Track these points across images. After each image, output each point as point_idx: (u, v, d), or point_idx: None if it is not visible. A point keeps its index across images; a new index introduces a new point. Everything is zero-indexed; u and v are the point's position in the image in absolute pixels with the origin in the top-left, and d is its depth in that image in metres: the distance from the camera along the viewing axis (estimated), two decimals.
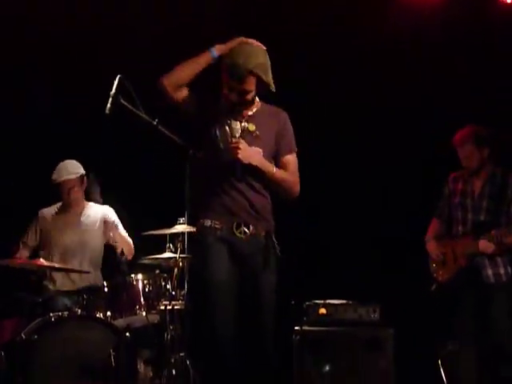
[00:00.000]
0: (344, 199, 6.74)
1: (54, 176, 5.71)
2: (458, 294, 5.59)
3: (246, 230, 4.12)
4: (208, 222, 4.13)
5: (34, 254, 5.71)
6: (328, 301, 6.10)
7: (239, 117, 4.20)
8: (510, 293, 5.48)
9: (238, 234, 4.12)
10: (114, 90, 4.95)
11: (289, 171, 4.24)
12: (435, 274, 5.75)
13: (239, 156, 4.04)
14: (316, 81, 6.50)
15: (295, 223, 6.31)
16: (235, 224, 4.12)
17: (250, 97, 4.15)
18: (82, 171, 5.79)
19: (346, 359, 5.81)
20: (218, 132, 4.18)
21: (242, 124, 4.18)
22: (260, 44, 4.19)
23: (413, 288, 6.54)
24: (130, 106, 4.99)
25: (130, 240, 5.86)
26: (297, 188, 4.26)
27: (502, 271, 5.47)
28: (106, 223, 5.84)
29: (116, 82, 4.95)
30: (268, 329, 4.16)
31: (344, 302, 6.14)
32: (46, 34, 6.28)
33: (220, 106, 4.20)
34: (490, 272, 5.47)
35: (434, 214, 5.85)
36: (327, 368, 5.74)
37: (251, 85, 4.10)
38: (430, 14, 6.52)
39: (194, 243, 4.30)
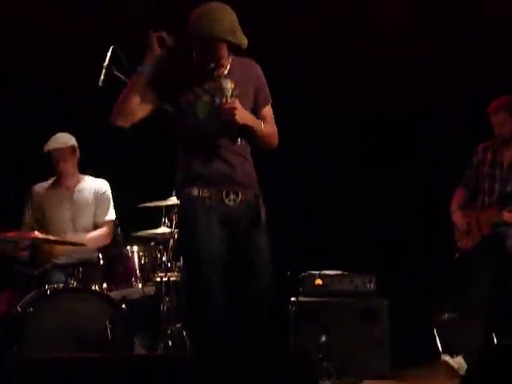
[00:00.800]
0: (340, 169, 6.72)
1: (45, 146, 5.68)
2: (480, 260, 5.61)
3: (235, 196, 4.06)
4: (195, 192, 4.04)
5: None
6: (324, 271, 6.12)
7: (216, 78, 4.09)
8: None
9: (228, 202, 4.05)
10: (107, 62, 4.93)
11: (269, 123, 4.17)
12: (459, 243, 5.77)
13: (236, 117, 3.95)
14: (314, 84, 6.48)
15: (291, 194, 6.31)
16: (224, 192, 4.05)
17: (224, 60, 4.06)
18: (73, 142, 5.73)
19: (342, 330, 5.85)
20: (197, 101, 4.08)
21: (222, 83, 4.04)
22: (216, 4, 4.04)
23: (408, 258, 6.58)
24: (123, 78, 4.97)
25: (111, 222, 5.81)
26: (276, 139, 4.21)
27: None
28: (97, 196, 5.79)
29: (109, 53, 4.93)
30: (266, 292, 4.09)
31: (340, 272, 6.16)
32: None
33: (191, 74, 4.09)
34: None
35: (460, 183, 5.86)
36: (323, 338, 5.77)
37: (223, 50, 4.00)
38: None
39: (182, 214, 4.21)
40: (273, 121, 4.21)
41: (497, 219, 5.52)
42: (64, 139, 5.70)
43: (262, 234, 4.09)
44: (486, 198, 5.65)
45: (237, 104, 3.97)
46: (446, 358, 5.60)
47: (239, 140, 4.09)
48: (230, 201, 4.05)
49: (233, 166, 4.07)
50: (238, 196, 4.06)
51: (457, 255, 5.77)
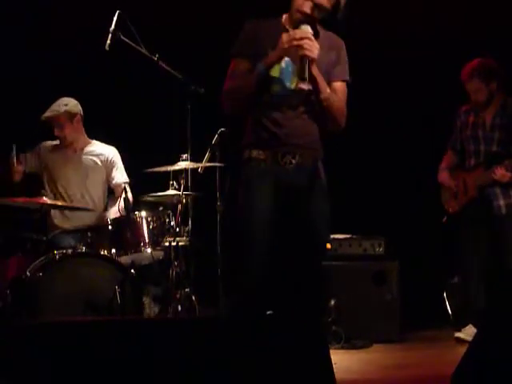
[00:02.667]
0: (348, 134, 6.69)
1: (43, 114, 5.68)
2: (469, 225, 5.58)
3: (292, 159, 3.98)
4: (253, 153, 3.98)
5: (37, 191, 5.67)
6: (332, 235, 6.11)
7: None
8: None
9: (284, 164, 3.97)
10: (113, 26, 4.92)
11: (338, 97, 4.01)
12: (446, 206, 5.74)
13: (305, 50, 3.73)
14: None
15: None
16: (280, 154, 3.96)
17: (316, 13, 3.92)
18: (68, 108, 5.66)
19: (352, 293, 5.85)
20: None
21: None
22: None
23: (417, 221, 6.57)
24: (130, 42, 4.96)
25: (124, 184, 5.75)
26: (344, 118, 4.03)
27: None
28: (105, 162, 5.80)
29: (115, 18, 4.92)
30: (321, 258, 4.05)
31: (348, 236, 6.16)
32: None
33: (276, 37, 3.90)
34: (501, 202, 5.46)
35: (448, 146, 5.82)
36: (333, 302, 5.77)
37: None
38: None
39: (236, 176, 4.12)
40: (344, 97, 4.04)
41: (484, 180, 5.48)
42: (58, 106, 5.67)
43: (319, 198, 3.99)
44: (472, 160, 5.62)
45: (309, 35, 3.81)
46: (458, 334, 5.59)
47: (308, 107, 3.98)
48: (286, 163, 3.97)
49: (295, 126, 3.98)
50: (294, 158, 3.99)
51: (445, 219, 5.74)
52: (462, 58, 5.76)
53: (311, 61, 3.76)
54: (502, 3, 6.23)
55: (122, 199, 5.36)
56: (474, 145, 5.60)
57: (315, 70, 3.82)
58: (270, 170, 3.97)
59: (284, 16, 4.05)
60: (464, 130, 5.68)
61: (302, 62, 3.76)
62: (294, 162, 3.98)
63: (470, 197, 5.56)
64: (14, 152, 5.44)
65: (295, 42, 3.76)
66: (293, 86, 3.97)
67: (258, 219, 3.93)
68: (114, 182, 5.80)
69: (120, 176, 5.83)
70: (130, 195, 5.49)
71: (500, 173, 5.39)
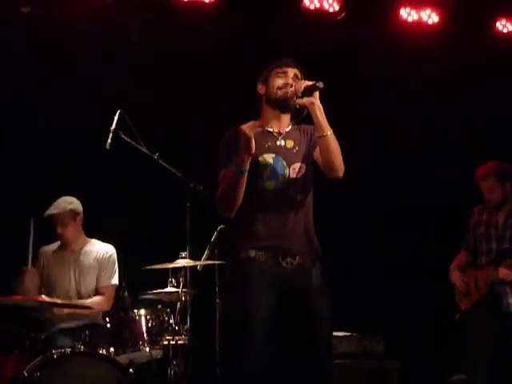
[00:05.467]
0: (346, 229, 6.73)
1: (45, 212, 5.71)
2: (479, 322, 5.56)
3: (293, 260, 4.00)
4: (252, 253, 3.99)
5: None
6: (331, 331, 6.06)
7: (276, 135, 4.14)
8: None
9: (285, 265, 3.98)
10: (114, 125, 4.99)
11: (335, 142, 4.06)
12: (459, 304, 5.74)
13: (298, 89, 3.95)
14: None
15: None
16: (281, 256, 3.98)
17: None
18: (71, 206, 5.72)
19: None
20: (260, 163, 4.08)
21: (279, 142, 4.12)
22: None
23: (415, 320, 6.54)
24: (130, 141, 5.02)
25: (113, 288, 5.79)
26: (342, 164, 4.02)
27: None
28: (99, 262, 5.79)
29: (116, 117, 4.99)
30: (328, 358, 4.06)
31: (348, 334, 6.11)
32: (46, 68, 6.32)
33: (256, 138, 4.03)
34: (511, 301, 5.45)
35: (461, 246, 5.86)
36: None
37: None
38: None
39: (235, 277, 4.07)
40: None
41: (493, 277, 5.49)
42: (63, 204, 5.71)
43: (319, 300, 4.01)
44: (484, 258, 5.65)
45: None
46: None
47: (303, 198, 4.06)
48: (287, 264, 3.99)
49: (292, 228, 4.02)
50: (295, 259, 4.00)
51: (457, 316, 5.72)
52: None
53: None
54: None
55: (112, 300, 5.40)
56: (486, 243, 5.65)
57: (320, 109, 3.94)
58: (270, 271, 3.97)
59: (259, 120, 4.15)
60: (477, 228, 5.73)
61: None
62: (294, 263, 4.00)
63: (481, 294, 5.57)
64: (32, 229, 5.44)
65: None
66: (287, 176, 4.06)
67: (258, 319, 3.90)
68: (108, 282, 5.77)
69: (106, 278, 5.78)
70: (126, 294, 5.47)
71: (504, 272, 5.43)
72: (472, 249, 5.78)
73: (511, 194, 5.65)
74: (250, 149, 3.92)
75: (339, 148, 4.00)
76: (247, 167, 3.95)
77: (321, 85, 3.90)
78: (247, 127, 3.92)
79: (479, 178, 5.71)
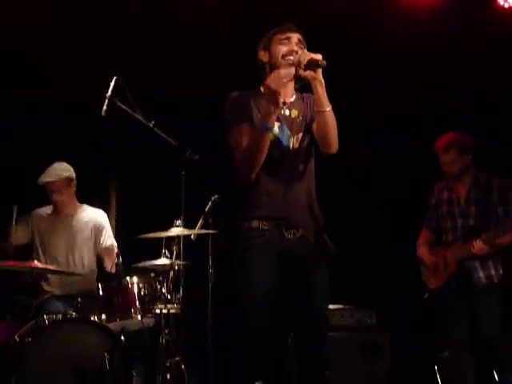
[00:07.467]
0: (339, 203, 6.71)
1: (40, 178, 5.70)
2: (450, 301, 5.56)
3: (296, 231, 3.98)
4: (255, 223, 3.96)
5: (27, 255, 5.66)
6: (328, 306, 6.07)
7: (281, 105, 4.06)
8: (500, 295, 5.45)
9: (288, 236, 3.97)
10: (110, 92, 4.95)
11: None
12: (427, 282, 5.72)
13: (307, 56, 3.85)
14: None
15: None
16: (284, 227, 3.97)
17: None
18: (67, 174, 5.75)
19: (344, 364, 5.78)
20: None
21: (284, 111, 4.07)
22: None
23: (408, 293, 6.53)
24: (126, 108, 4.98)
25: (113, 249, 5.82)
26: (336, 141, 4.00)
27: (493, 272, 5.45)
28: (94, 228, 5.82)
29: (112, 84, 4.94)
30: (324, 332, 4.04)
31: (341, 306, 6.12)
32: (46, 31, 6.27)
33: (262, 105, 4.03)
34: (481, 274, 5.44)
35: (424, 224, 5.84)
36: (326, 373, 5.70)
37: None
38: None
39: (236, 246, 4.04)
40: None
41: (463, 254, 5.46)
42: (58, 171, 5.71)
43: (319, 275, 3.99)
44: (450, 236, 5.62)
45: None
46: None
47: (305, 168, 4.05)
48: (289, 234, 3.97)
49: (296, 199, 4.00)
50: (298, 231, 3.99)
51: (426, 295, 5.72)
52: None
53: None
54: None
55: (114, 264, 5.35)
56: (450, 221, 5.62)
57: (321, 85, 3.88)
58: (273, 241, 3.96)
59: (261, 87, 4.14)
60: (439, 207, 5.70)
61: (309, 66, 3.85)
62: (297, 234, 3.99)
63: (450, 272, 5.55)
64: (15, 215, 5.43)
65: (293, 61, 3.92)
66: (291, 146, 4.03)
67: (259, 291, 3.89)
68: (103, 245, 5.81)
69: (108, 239, 5.87)
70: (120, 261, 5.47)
71: (478, 246, 5.40)
72: (434, 227, 5.75)
73: (471, 165, 5.60)
74: (278, 103, 3.91)
75: (336, 125, 3.98)
76: (273, 124, 3.94)
77: (324, 64, 3.85)
78: (273, 81, 3.89)
79: (440, 151, 5.61)
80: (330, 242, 4.04)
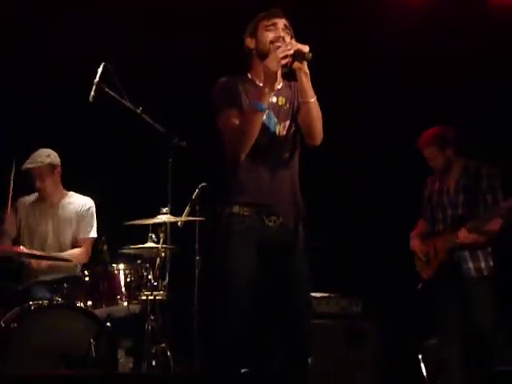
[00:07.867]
0: (328, 189, 6.72)
1: (23, 165, 5.67)
2: (441, 289, 5.58)
3: (277, 218, 3.97)
4: (236, 209, 3.95)
5: (14, 242, 5.67)
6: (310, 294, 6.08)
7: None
8: (491, 286, 5.47)
9: (268, 223, 3.96)
10: (97, 78, 4.93)
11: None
12: (421, 273, 5.75)
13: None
14: None
15: None
16: (265, 213, 3.95)
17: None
18: (50, 160, 5.69)
19: (329, 351, 5.80)
20: None
21: (272, 98, 4.02)
22: None
23: (394, 282, 6.56)
24: (114, 94, 4.97)
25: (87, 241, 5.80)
26: (321, 132, 3.99)
27: (482, 265, 5.46)
28: (77, 215, 5.79)
29: (100, 70, 4.93)
30: (306, 319, 4.05)
31: (326, 294, 6.13)
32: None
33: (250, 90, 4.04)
34: (471, 265, 5.46)
35: (420, 216, 5.87)
36: (308, 360, 5.71)
37: None
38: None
39: (218, 232, 4.03)
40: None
41: (452, 243, 5.48)
42: (40, 157, 5.68)
43: (300, 263, 3.98)
44: (441, 226, 5.65)
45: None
46: None
47: (290, 157, 4.03)
48: (270, 221, 3.96)
49: (280, 187, 3.99)
50: (278, 218, 3.98)
51: (420, 285, 5.74)
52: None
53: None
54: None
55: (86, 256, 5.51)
56: (441, 211, 5.66)
57: (306, 76, 3.87)
58: (253, 228, 3.94)
59: (248, 74, 4.14)
60: (432, 199, 5.74)
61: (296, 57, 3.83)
62: (278, 222, 3.98)
63: (440, 261, 5.57)
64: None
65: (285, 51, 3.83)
66: (277, 133, 4.02)
67: (240, 278, 3.88)
68: (86, 235, 5.78)
69: (88, 231, 5.80)
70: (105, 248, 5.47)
71: (462, 235, 5.42)
72: (429, 219, 5.78)
73: (455, 157, 5.63)
74: (274, 84, 3.91)
75: (320, 116, 3.97)
76: (267, 105, 3.91)
77: (310, 57, 3.84)
78: (271, 61, 3.86)
79: (421, 147, 5.68)
80: (308, 232, 4.02)
